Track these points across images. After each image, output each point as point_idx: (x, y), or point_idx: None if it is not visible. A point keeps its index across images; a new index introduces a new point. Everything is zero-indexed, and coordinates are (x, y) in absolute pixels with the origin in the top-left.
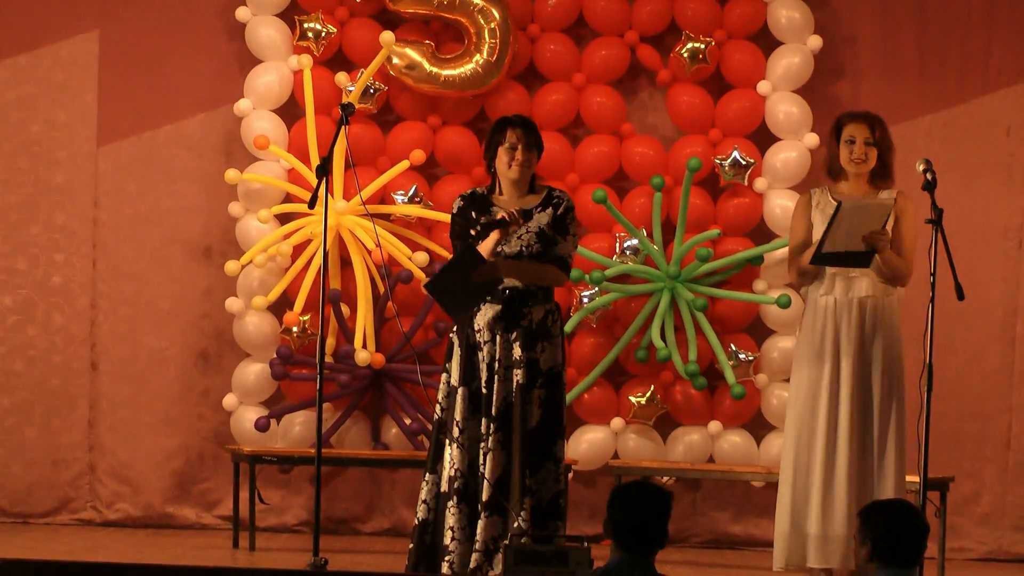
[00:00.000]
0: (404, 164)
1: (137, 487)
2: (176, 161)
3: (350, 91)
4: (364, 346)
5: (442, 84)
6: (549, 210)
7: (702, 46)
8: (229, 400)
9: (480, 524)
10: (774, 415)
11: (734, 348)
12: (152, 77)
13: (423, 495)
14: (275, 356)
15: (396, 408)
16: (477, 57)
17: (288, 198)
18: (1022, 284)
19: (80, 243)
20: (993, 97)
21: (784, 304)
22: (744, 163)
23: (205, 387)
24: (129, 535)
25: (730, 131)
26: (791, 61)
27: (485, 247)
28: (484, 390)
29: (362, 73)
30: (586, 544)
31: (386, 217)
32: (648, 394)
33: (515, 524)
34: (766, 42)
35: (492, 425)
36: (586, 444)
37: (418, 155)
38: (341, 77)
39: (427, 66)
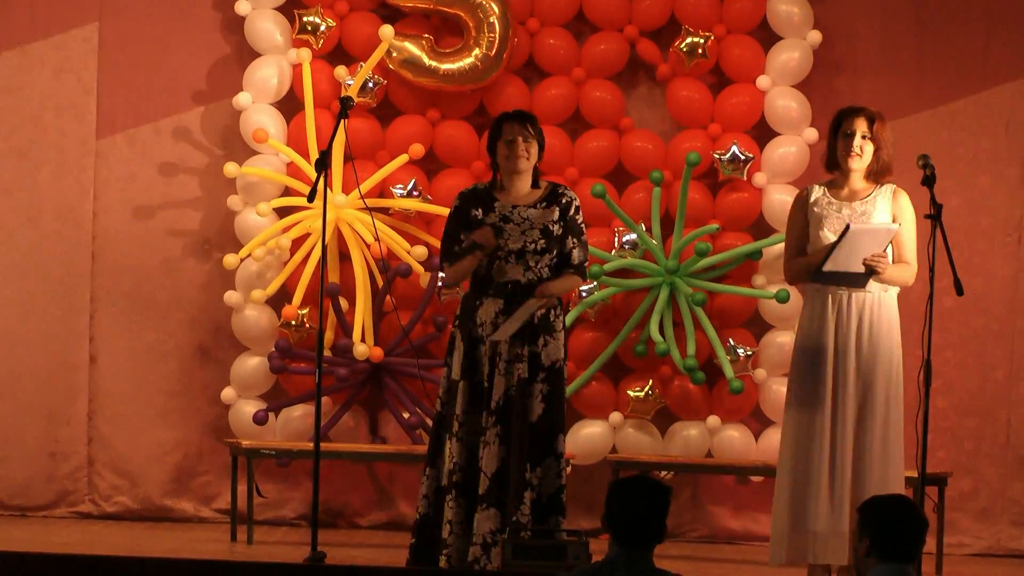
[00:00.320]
0: (403, 158)
1: (135, 480)
2: (175, 154)
3: (349, 85)
4: (363, 340)
5: (441, 78)
6: (555, 208)
7: (702, 41)
8: (227, 393)
9: (477, 518)
10: (772, 410)
11: (733, 343)
12: (151, 70)
13: (423, 490)
14: (273, 350)
15: (394, 402)
16: (476, 51)
17: (287, 192)
18: (1021, 279)
19: (79, 236)
20: (992, 92)
21: (783, 299)
22: (743, 158)
23: (203, 380)
24: (127, 528)
25: (729, 126)
26: (790, 56)
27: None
28: (486, 384)
29: (361, 67)
30: (584, 539)
31: (385, 211)
32: (646, 388)
33: (513, 518)
34: (765, 37)
35: (491, 419)
36: (584, 438)
37: (417, 149)
38: (340, 71)
39: (426, 60)
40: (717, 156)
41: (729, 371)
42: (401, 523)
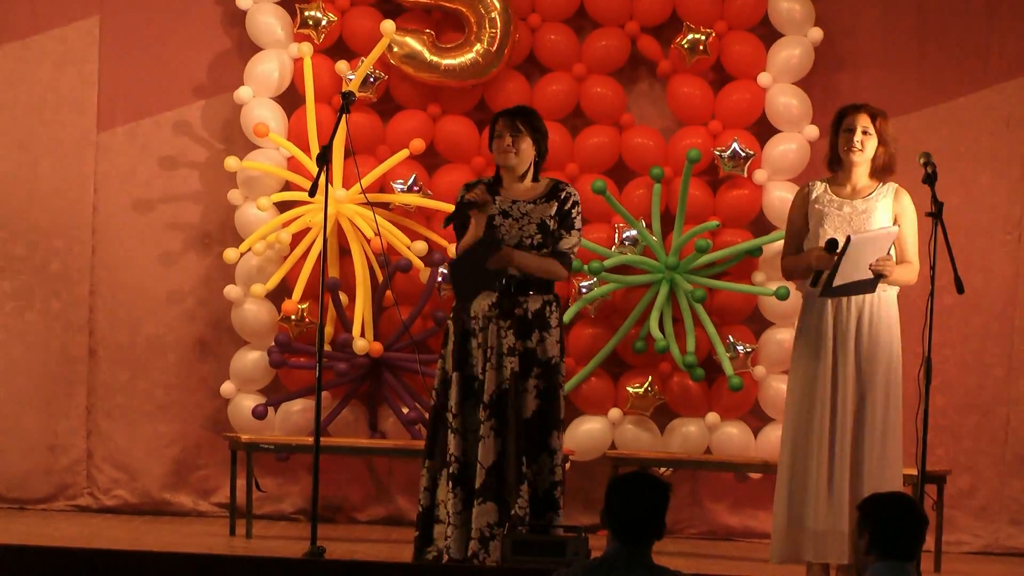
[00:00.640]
0: (404, 153)
1: (134, 474)
2: (175, 148)
3: (350, 79)
4: (362, 335)
5: (442, 73)
6: (554, 203)
7: (703, 37)
8: (227, 387)
9: (475, 511)
10: (772, 407)
11: (732, 339)
12: (152, 64)
13: (424, 483)
14: (273, 344)
15: (394, 397)
16: (477, 46)
17: (287, 186)
18: (1021, 277)
19: (79, 229)
20: (993, 90)
21: (783, 296)
22: (744, 155)
23: (203, 374)
24: (126, 522)
25: (730, 122)
26: (791, 53)
27: (471, 232)
28: (481, 376)
29: (362, 62)
30: (583, 534)
31: (385, 206)
32: (646, 385)
33: (512, 512)
34: (767, 33)
35: (486, 412)
36: (583, 434)
37: (418, 144)
38: (341, 65)
39: (427, 55)
40: (718, 153)
41: (728, 368)
42: (400, 518)
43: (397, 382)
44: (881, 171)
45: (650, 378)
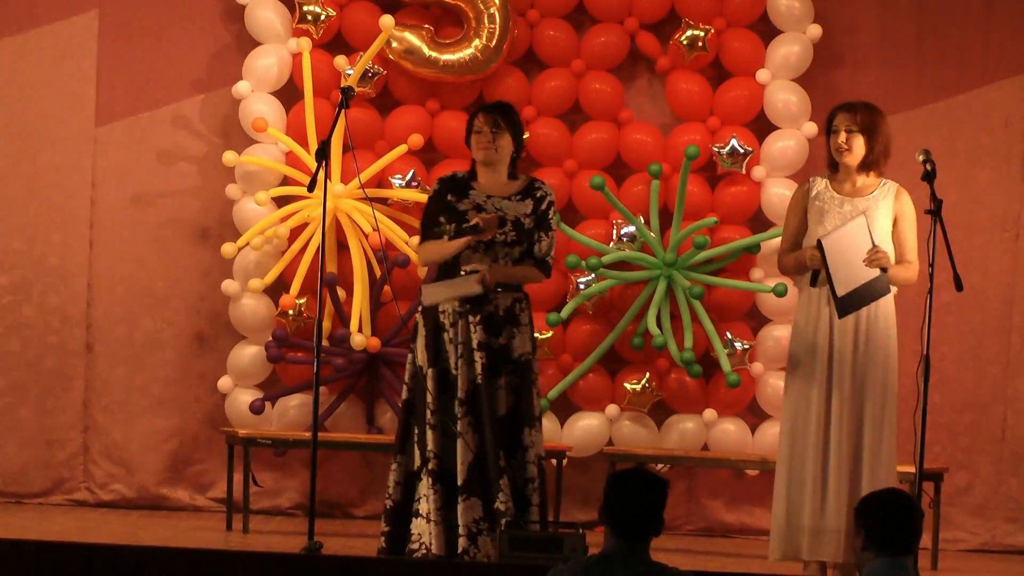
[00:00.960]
0: (402, 148)
1: (131, 468)
2: (174, 142)
3: (349, 75)
4: (360, 330)
5: (441, 69)
6: (529, 202)
7: (701, 34)
8: (224, 382)
9: (459, 508)
10: (769, 403)
11: (730, 336)
12: (151, 58)
13: (394, 477)
14: (270, 339)
15: (391, 392)
16: (476, 42)
17: (286, 181)
18: (1019, 275)
19: (77, 224)
20: (992, 88)
21: (780, 292)
22: (742, 151)
23: (200, 369)
24: (123, 516)
25: (728, 119)
26: (790, 50)
27: (453, 247)
28: (454, 371)
29: (361, 57)
30: (581, 531)
31: (383, 201)
32: (643, 381)
33: (495, 506)
34: (766, 30)
35: (462, 409)
36: (581, 430)
37: (416, 139)
38: (340, 60)
39: (426, 50)
40: (716, 149)
41: (726, 364)
42: None
43: (394, 377)
44: (873, 163)
45: (648, 374)
